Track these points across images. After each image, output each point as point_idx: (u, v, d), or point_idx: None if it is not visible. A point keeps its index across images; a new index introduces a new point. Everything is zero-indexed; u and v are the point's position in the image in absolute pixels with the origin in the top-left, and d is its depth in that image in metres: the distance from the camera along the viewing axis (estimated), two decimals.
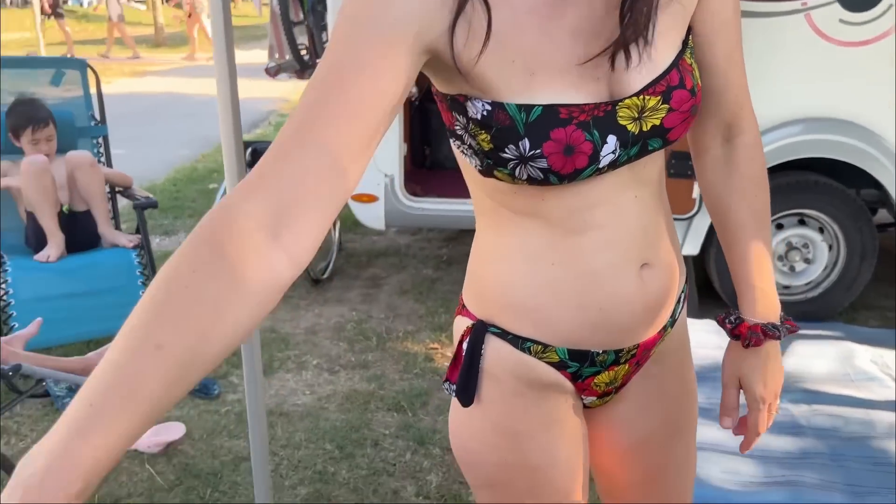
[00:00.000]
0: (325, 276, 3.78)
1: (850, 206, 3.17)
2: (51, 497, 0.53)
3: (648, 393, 1.01)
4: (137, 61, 12.55)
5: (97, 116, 3.35)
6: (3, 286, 2.72)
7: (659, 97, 0.79)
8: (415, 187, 3.39)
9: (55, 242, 2.89)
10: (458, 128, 0.82)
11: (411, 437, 2.43)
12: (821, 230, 3.23)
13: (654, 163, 0.88)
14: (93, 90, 3.33)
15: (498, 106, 0.76)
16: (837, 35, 2.91)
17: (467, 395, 0.92)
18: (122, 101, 8.02)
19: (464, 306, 0.96)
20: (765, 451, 2.36)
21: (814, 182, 3.16)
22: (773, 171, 3.10)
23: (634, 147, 0.80)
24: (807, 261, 3.26)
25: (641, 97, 0.78)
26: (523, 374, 0.91)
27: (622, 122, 0.78)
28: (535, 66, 0.77)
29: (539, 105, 0.76)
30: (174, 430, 2.40)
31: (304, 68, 4.05)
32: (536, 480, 0.95)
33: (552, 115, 0.76)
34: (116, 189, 3.25)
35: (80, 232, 3.00)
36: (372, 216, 3.35)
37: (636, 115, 0.79)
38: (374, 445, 2.39)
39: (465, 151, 0.83)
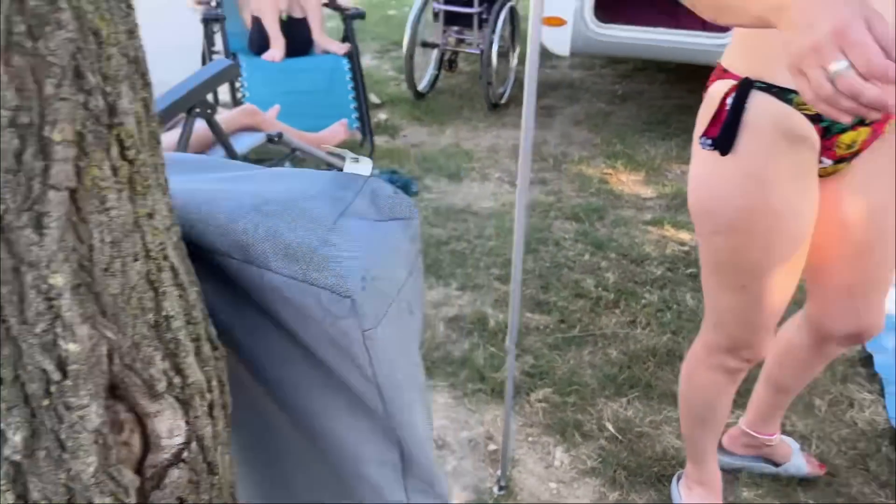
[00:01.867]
0: (503, 101, 3.96)
1: None
2: None
3: (874, 169, 1.14)
4: None
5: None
6: (238, 80, 3.11)
7: None
8: (605, 14, 3.43)
9: (279, 45, 3.22)
10: None
11: (589, 241, 2.68)
12: None
13: None
14: None
15: None
16: None
17: (727, 144, 1.10)
18: None
19: (725, 70, 1.12)
20: None
21: None
22: None
23: None
24: None
25: None
26: (783, 123, 1.06)
27: None
28: None
29: None
30: None
31: None
32: (774, 224, 1.12)
33: None
34: (323, 0, 3.51)
35: (297, 37, 3.32)
36: (558, 40, 3.44)
37: None
38: (555, 245, 2.66)
39: None
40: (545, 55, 3.64)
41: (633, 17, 3.44)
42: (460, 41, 4.03)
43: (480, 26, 3.82)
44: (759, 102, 1.07)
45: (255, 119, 2.28)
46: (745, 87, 1.07)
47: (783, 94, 1.05)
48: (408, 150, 3.41)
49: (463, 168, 3.26)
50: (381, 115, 3.81)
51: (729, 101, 1.09)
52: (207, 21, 3.17)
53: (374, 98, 4.00)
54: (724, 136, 1.10)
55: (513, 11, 3.95)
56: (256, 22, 3.27)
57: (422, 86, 4.02)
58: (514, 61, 4.13)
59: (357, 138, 3.28)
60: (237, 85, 3.08)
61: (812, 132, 1.07)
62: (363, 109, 3.20)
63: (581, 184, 3.14)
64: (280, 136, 2.18)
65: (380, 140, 3.52)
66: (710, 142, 1.12)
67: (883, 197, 1.17)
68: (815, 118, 1.06)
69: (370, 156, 3.19)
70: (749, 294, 1.20)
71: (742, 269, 1.18)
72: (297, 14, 3.34)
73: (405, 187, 2.99)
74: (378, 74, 4.42)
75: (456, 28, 3.95)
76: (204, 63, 3.35)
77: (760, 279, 1.18)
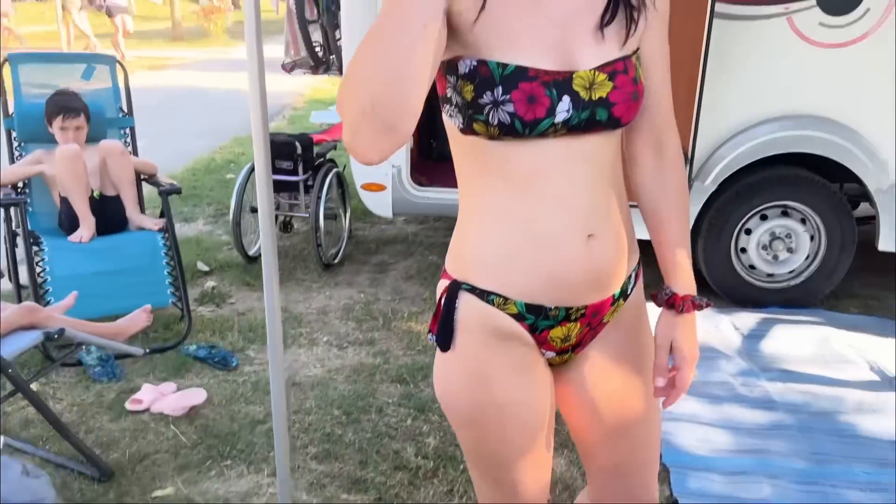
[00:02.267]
0: (336, 261, 4.00)
1: (831, 199, 3.35)
2: None
3: (608, 356, 1.20)
4: (156, 56, 12.77)
5: (125, 108, 3.58)
6: (40, 264, 2.96)
7: (606, 75, 1.03)
8: (421, 178, 3.60)
9: (87, 224, 3.12)
10: (448, 89, 1.05)
11: (412, 405, 2.65)
12: (803, 221, 3.41)
13: (607, 144, 1.08)
14: (121, 84, 3.57)
15: (482, 62, 1.01)
16: (818, 37, 3.09)
17: (445, 342, 1.14)
18: (141, 94, 8.27)
19: (445, 271, 1.18)
20: (738, 424, 2.56)
21: (796, 176, 3.35)
22: (759, 165, 3.29)
23: (585, 111, 1.02)
24: (789, 250, 3.45)
25: (592, 72, 1.02)
26: (489, 323, 1.11)
27: (576, 88, 1.02)
28: (515, 37, 1.02)
29: (513, 64, 1.00)
30: (196, 396, 2.63)
31: (317, 65, 4.27)
32: (505, 417, 1.14)
33: (522, 73, 1.00)
34: (142, 176, 3.48)
35: (109, 215, 3.24)
36: (380, 204, 3.56)
37: (587, 86, 1.02)
38: (378, 412, 2.61)
39: (451, 114, 1.06)
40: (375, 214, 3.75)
41: (447, 180, 3.64)
42: (292, 205, 4.08)
43: (307, 191, 3.90)
44: (466, 303, 1.11)
45: (35, 317, 2.15)
46: (454, 288, 1.12)
47: (485, 295, 1.10)
48: (233, 319, 3.32)
49: (290, 334, 3.20)
50: (210, 283, 3.73)
51: (443, 301, 1.13)
52: (7, 205, 3.04)
53: (202, 266, 3.92)
54: (441, 334, 1.13)
55: (339, 176, 4.07)
56: (65, 202, 3.18)
57: (253, 250, 4.00)
58: (345, 222, 4.21)
59: (176, 313, 3.17)
60: (37, 270, 2.93)
61: (520, 329, 1.12)
62: (180, 285, 3.12)
63: (409, 341, 3.16)
64: (62, 331, 2.06)
65: (205, 310, 3.42)
66: (433, 338, 1.15)
67: (625, 380, 1.21)
68: (518, 316, 1.11)
69: (187, 332, 3.07)
70: (502, 485, 1.20)
71: (488, 461, 1.19)
72: (110, 192, 3.28)
73: (223, 361, 2.88)
74: (210, 240, 4.36)
75: (285, 193, 4.01)
76: (5, 246, 3.18)
77: (508, 470, 1.18)
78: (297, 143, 3.77)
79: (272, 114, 8.42)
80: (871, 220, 3.68)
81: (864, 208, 3.62)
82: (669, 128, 1.18)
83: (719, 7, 3.02)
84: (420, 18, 0.89)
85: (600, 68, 1.03)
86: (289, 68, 4.45)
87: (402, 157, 3.48)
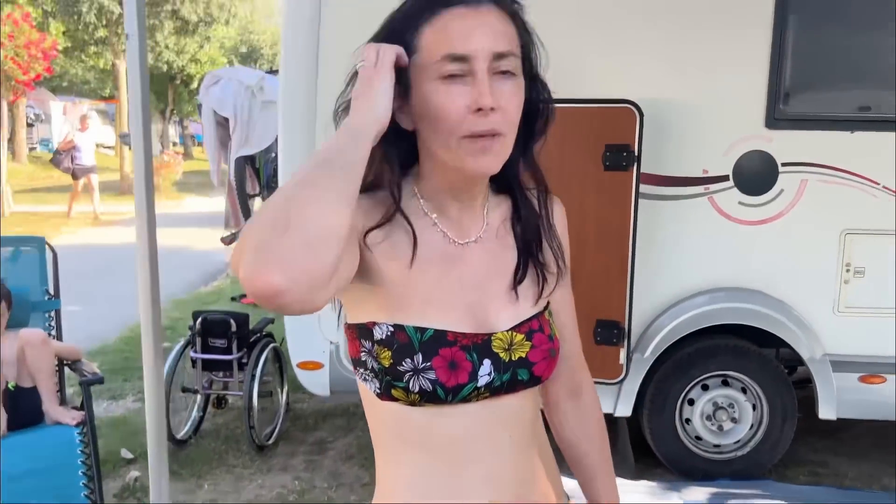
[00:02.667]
0: (271, 441, 3.80)
1: (768, 368, 3.38)
2: None
3: None
4: (101, 211, 12.74)
5: (51, 291, 3.46)
6: None
7: (523, 335, 1.02)
8: None
9: None
10: (363, 353, 1.00)
11: None
12: (744, 390, 3.41)
13: (527, 401, 1.06)
14: (49, 264, 3.46)
15: (399, 327, 0.97)
16: (739, 215, 3.23)
17: None
18: (81, 254, 8.16)
19: None
20: None
21: (733, 346, 3.38)
22: (695, 336, 3.32)
23: (506, 373, 1.00)
24: (733, 420, 3.42)
25: (510, 333, 1.01)
26: None
27: (496, 350, 1.00)
28: (432, 300, 0.99)
29: (432, 328, 0.97)
30: None
31: None
32: None
33: (441, 337, 0.97)
34: (65, 362, 3.31)
35: (24, 408, 3.03)
36: (317, 383, 3.44)
37: (506, 347, 1.01)
38: None
39: (366, 377, 1.00)
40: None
41: None
42: (226, 383, 3.93)
43: (241, 369, 3.77)
44: None
45: None
46: None
47: None
48: None
49: None
50: (133, 473, 3.48)
51: None
52: None
53: (126, 453, 3.68)
54: None
55: (276, 351, 3.97)
56: None
57: (183, 432, 3.79)
58: (282, 398, 4.06)
59: None
60: None
61: None
62: (96, 486, 2.88)
63: None
64: None
65: None
66: None
67: None
68: None
69: None
70: None
71: None
72: (27, 383, 3.09)
73: None
74: (137, 421, 4.12)
75: (219, 371, 3.86)
76: None
77: None
78: (232, 321, 3.68)
79: (217, 271, 8.36)
80: (808, 384, 3.71)
81: (804, 370, 3.65)
82: (582, 369, 1.20)
83: (643, 188, 3.15)
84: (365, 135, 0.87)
85: (517, 328, 1.02)
86: (228, 241, 4.43)
87: (340, 334, 3.41)
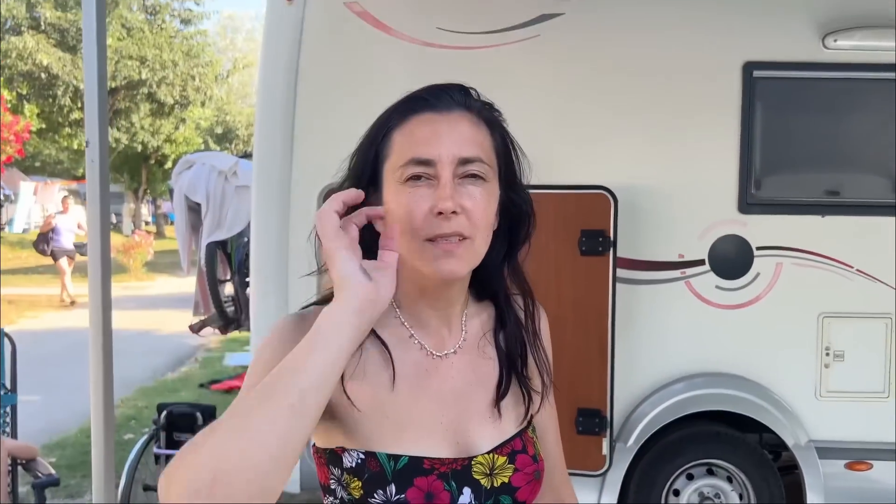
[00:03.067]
0: None
1: (753, 455, 3.29)
2: None
3: None
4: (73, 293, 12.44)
5: (7, 385, 3.30)
6: None
7: (506, 458, 0.94)
8: None
9: None
10: (332, 481, 0.92)
11: None
12: (729, 479, 3.32)
13: None
14: (7, 355, 3.32)
15: (370, 455, 0.89)
16: (716, 299, 3.22)
17: None
18: (44, 339, 7.91)
19: None
20: None
21: (716, 433, 3.31)
22: (678, 423, 3.25)
23: (488, 501, 0.92)
24: None
25: (491, 455, 0.94)
26: None
27: (476, 477, 0.92)
28: (405, 423, 0.92)
29: (406, 456, 0.89)
30: None
31: (227, 323, 4.15)
32: None
33: (417, 465, 0.89)
34: (19, 461, 3.12)
35: None
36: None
37: (488, 472, 0.93)
38: None
39: None
40: None
41: None
42: None
43: None
44: None
45: None
46: None
47: None
48: None
49: None
50: None
51: None
52: None
53: None
54: None
55: None
56: None
57: None
58: None
59: None
60: None
61: None
62: None
63: None
64: None
65: None
66: None
67: None
68: None
69: None
70: None
71: None
72: None
73: None
74: None
75: None
76: None
77: None
78: (199, 414, 3.53)
79: (185, 356, 8.14)
80: (794, 470, 3.63)
81: (788, 456, 3.57)
82: (566, 485, 1.15)
83: (621, 273, 3.13)
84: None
85: (499, 450, 0.95)
86: (196, 329, 4.32)
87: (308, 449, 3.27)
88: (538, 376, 1.02)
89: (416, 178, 0.90)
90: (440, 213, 0.89)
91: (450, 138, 0.91)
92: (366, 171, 0.94)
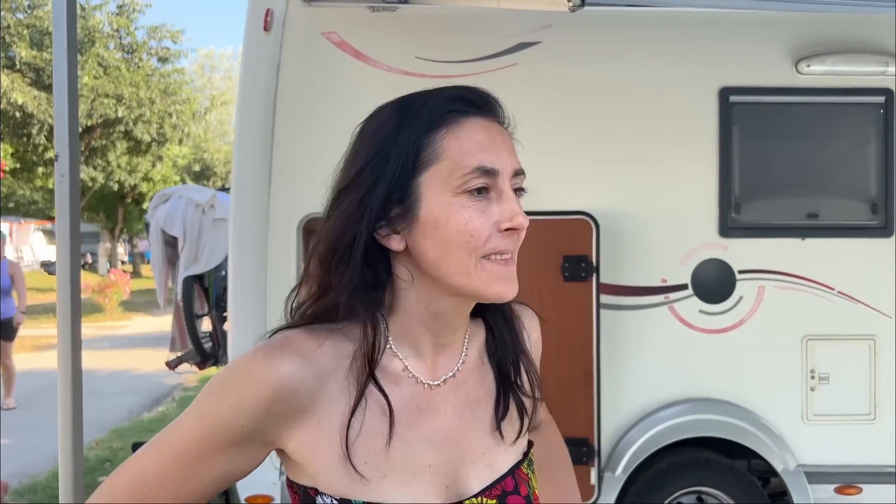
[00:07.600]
0: None
1: (742, 482, 3.24)
2: None
3: None
4: (41, 334, 12.18)
5: None
6: None
7: (495, 500, 0.87)
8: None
9: None
10: None
11: None
12: None
13: None
14: None
15: (345, 502, 0.81)
16: (700, 324, 3.20)
17: None
18: (20, 381, 7.69)
19: None
20: None
21: (705, 459, 3.26)
22: (666, 450, 3.19)
23: None
24: None
25: (480, 498, 0.86)
26: None
27: None
28: (390, 468, 0.83)
29: None
30: None
31: (205, 359, 4.06)
32: None
33: None
34: None
35: None
36: None
37: None
38: None
39: None
40: None
41: None
42: None
43: None
44: None
45: None
46: None
47: None
48: None
49: None
50: None
51: None
52: None
53: None
54: None
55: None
56: None
57: None
58: None
59: None
60: None
61: None
62: None
63: None
64: None
65: None
66: None
67: None
68: None
69: None
70: None
71: None
72: None
73: None
74: None
75: None
76: None
77: None
78: None
79: (161, 395, 7.95)
80: (784, 496, 3.59)
81: (777, 482, 3.53)
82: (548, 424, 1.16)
83: (604, 299, 3.11)
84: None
85: (487, 492, 0.87)
86: (173, 366, 4.21)
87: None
88: (530, 390, 0.97)
89: (481, 190, 0.83)
90: (510, 230, 0.83)
91: (505, 146, 0.86)
92: (403, 178, 0.83)
